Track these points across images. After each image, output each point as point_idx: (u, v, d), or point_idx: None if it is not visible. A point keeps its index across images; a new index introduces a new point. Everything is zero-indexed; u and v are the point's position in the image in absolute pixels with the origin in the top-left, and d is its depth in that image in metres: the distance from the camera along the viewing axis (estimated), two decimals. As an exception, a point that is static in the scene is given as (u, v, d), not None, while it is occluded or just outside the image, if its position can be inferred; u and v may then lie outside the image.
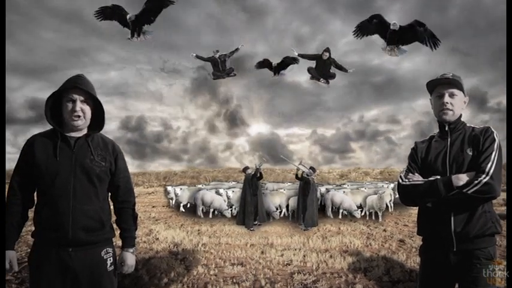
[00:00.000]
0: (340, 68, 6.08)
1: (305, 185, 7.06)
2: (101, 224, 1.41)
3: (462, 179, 1.35)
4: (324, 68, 6.10)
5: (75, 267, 1.34)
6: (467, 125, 1.49)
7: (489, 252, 1.37)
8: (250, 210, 6.92)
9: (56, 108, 1.42)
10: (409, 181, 1.47)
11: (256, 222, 6.99)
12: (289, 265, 3.87)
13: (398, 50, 5.02)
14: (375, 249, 4.63)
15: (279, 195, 8.39)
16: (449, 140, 1.48)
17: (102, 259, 1.41)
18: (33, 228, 1.40)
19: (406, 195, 1.50)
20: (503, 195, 1.68)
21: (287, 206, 8.22)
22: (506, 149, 1.49)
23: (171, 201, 9.99)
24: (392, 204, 8.61)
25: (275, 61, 6.65)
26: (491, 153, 1.36)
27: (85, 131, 1.46)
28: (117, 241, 1.51)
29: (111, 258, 1.45)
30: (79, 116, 1.39)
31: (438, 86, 1.50)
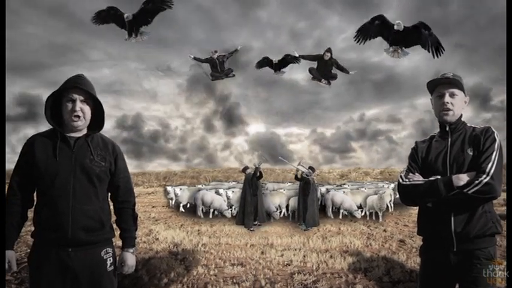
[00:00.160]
0: (341, 69, 6.00)
1: (305, 185, 7.06)
2: (101, 224, 1.41)
3: (463, 179, 1.34)
4: (325, 68, 6.03)
5: (75, 267, 1.34)
6: (468, 125, 1.49)
7: (489, 252, 1.37)
8: (250, 211, 6.92)
9: (55, 108, 1.42)
10: (410, 181, 1.47)
11: (256, 222, 6.98)
12: (289, 265, 3.87)
13: (401, 51, 4.91)
14: (375, 250, 4.63)
15: (278, 196, 8.39)
16: (449, 140, 1.48)
17: (102, 259, 1.41)
18: (32, 229, 1.39)
19: (407, 195, 1.49)
20: (503, 196, 1.68)
21: (287, 206, 8.22)
22: (506, 149, 1.48)
23: (170, 201, 9.99)
24: (392, 205, 8.61)
25: (276, 58, 6.51)
26: (492, 153, 1.36)
27: (85, 131, 1.45)
28: (117, 241, 1.50)
29: (111, 258, 1.45)
30: (79, 116, 1.39)
31: (439, 86, 1.50)
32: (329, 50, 5.91)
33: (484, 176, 1.31)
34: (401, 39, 4.80)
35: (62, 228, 1.32)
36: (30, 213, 1.42)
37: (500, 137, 1.41)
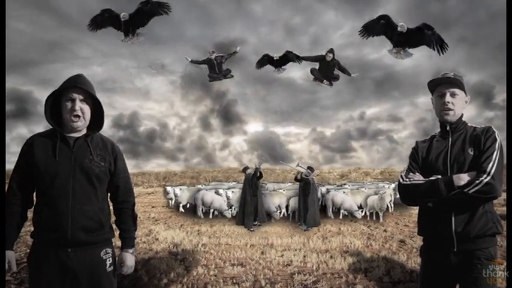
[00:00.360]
0: (343, 70, 5.94)
1: (305, 185, 7.06)
2: (100, 225, 1.41)
3: (463, 178, 1.34)
4: (327, 69, 5.97)
5: (74, 267, 1.34)
6: (469, 124, 1.49)
7: (490, 252, 1.37)
8: (250, 211, 6.91)
9: (55, 107, 1.42)
10: (410, 181, 1.46)
11: (256, 222, 6.98)
12: (289, 265, 3.87)
13: (404, 52, 4.95)
14: (376, 250, 4.63)
15: (278, 196, 8.38)
16: (450, 139, 1.47)
17: (102, 259, 1.41)
18: (32, 229, 1.39)
19: (407, 194, 1.49)
20: (504, 195, 1.68)
21: (287, 207, 8.21)
22: (506, 149, 1.48)
23: (170, 201, 9.98)
24: (392, 205, 8.60)
25: (276, 54, 6.39)
26: (493, 153, 1.35)
27: (84, 131, 1.45)
28: (117, 241, 1.50)
29: (111, 258, 1.44)
30: (78, 116, 1.39)
31: (439, 86, 1.50)
32: (331, 51, 5.85)
33: (485, 175, 1.31)
34: (404, 40, 4.85)
35: (61, 229, 1.32)
36: (30, 214, 1.41)
37: (501, 137, 1.41)
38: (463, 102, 1.49)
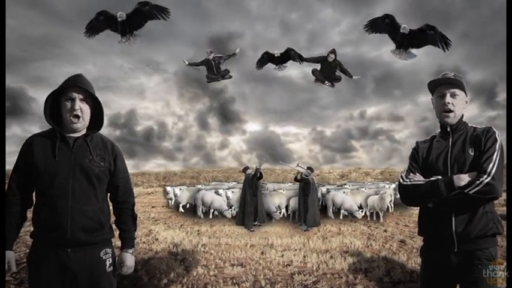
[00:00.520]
0: (345, 71, 5.88)
1: (305, 185, 7.06)
2: (100, 225, 1.40)
3: (463, 179, 1.34)
4: (329, 70, 5.91)
5: (74, 267, 1.34)
6: (469, 124, 1.49)
7: (490, 252, 1.36)
8: (250, 211, 6.91)
9: (55, 107, 1.42)
10: (410, 181, 1.46)
11: (256, 222, 6.97)
12: (289, 266, 3.86)
13: (407, 53, 4.97)
14: (376, 250, 4.62)
15: (278, 196, 8.38)
16: (450, 140, 1.47)
17: (101, 260, 1.41)
18: (31, 229, 1.39)
19: (407, 195, 1.49)
20: (504, 196, 1.67)
21: (286, 207, 8.21)
22: (506, 149, 1.48)
23: (170, 201, 9.98)
24: (392, 205, 8.60)
25: (277, 51, 6.24)
26: (493, 154, 1.35)
27: (84, 131, 1.45)
28: (117, 242, 1.50)
29: (110, 259, 1.44)
30: (78, 116, 1.38)
31: (439, 86, 1.49)
32: (333, 52, 5.79)
33: (485, 176, 1.31)
34: (407, 41, 4.87)
35: (61, 229, 1.32)
36: (29, 214, 1.41)
37: (502, 137, 1.40)
38: (463, 102, 1.49)
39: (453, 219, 1.37)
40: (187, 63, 6.22)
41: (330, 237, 5.57)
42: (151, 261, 3.90)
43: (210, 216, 8.09)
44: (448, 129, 1.48)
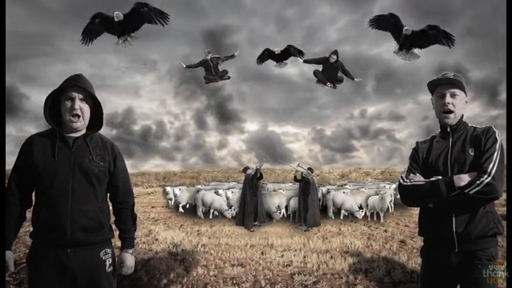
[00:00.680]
0: (346, 73, 5.83)
1: (305, 185, 7.05)
2: (100, 225, 1.40)
3: (464, 179, 1.34)
4: (331, 71, 5.87)
5: (73, 268, 1.33)
6: (469, 124, 1.49)
7: (491, 253, 1.36)
8: (250, 211, 6.91)
9: (54, 107, 1.42)
10: (410, 181, 1.46)
11: (256, 223, 6.97)
12: (289, 266, 3.86)
13: (410, 54, 4.96)
14: (376, 250, 4.62)
15: (278, 196, 8.38)
16: (450, 140, 1.47)
17: (101, 260, 1.40)
18: (31, 229, 1.38)
19: (407, 195, 1.49)
20: (505, 196, 1.67)
21: (286, 207, 8.20)
22: (506, 149, 1.48)
23: (170, 201, 9.98)
24: (393, 205, 8.60)
25: (277, 48, 6.15)
26: (493, 154, 1.35)
27: (84, 131, 1.45)
28: (116, 242, 1.49)
29: (110, 259, 1.44)
30: (78, 116, 1.38)
31: (439, 86, 1.49)
32: (335, 53, 5.75)
33: (486, 176, 1.31)
34: (410, 43, 4.87)
35: (60, 229, 1.32)
36: (29, 214, 1.41)
37: (502, 137, 1.40)
38: (463, 102, 1.49)
39: (453, 219, 1.37)
40: (184, 66, 6.09)
41: (330, 237, 5.57)
42: (151, 262, 3.90)
43: (210, 216, 8.09)
44: (448, 130, 1.48)
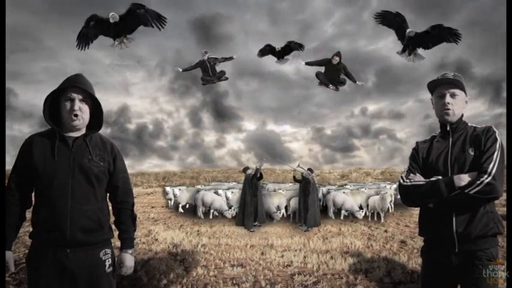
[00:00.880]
0: (348, 75, 5.78)
1: (305, 185, 7.05)
2: (100, 225, 1.40)
3: (464, 179, 1.34)
4: (333, 73, 5.83)
5: (73, 268, 1.33)
6: (469, 124, 1.49)
7: (491, 253, 1.36)
8: (250, 211, 6.90)
9: (54, 107, 1.42)
10: (411, 181, 1.46)
11: (256, 223, 6.97)
12: (289, 266, 3.86)
13: (415, 55, 4.95)
14: (376, 250, 4.62)
15: (278, 196, 8.37)
16: (450, 140, 1.47)
17: (101, 260, 1.40)
18: (31, 229, 1.38)
19: (408, 195, 1.49)
20: (505, 196, 1.67)
21: (286, 207, 8.20)
22: (506, 149, 1.47)
23: (169, 201, 9.97)
24: (393, 205, 8.59)
25: (278, 45, 6.11)
26: (493, 153, 1.35)
27: (83, 131, 1.45)
28: (116, 242, 1.49)
29: (110, 259, 1.44)
30: (77, 116, 1.38)
31: (439, 86, 1.49)
32: (338, 54, 5.71)
33: (486, 176, 1.31)
34: (413, 44, 4.86)
35: (60, 229, 1.32)
36: (29, 214, 1.41)
37: (502, 136, 1.40)
38: (463, 102, 1.49)
39: (454, 219, 1.37)
40: (181, 70, 5.98)
41: (331, 237, 5.56)
42: (151, 262, 3.90)
43: (210, 216, 8.08)
44: (448, 129, 1.48)
